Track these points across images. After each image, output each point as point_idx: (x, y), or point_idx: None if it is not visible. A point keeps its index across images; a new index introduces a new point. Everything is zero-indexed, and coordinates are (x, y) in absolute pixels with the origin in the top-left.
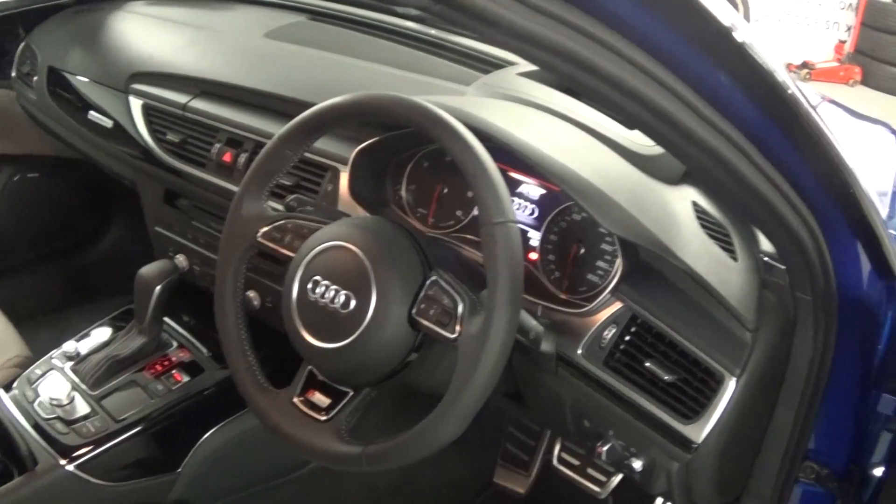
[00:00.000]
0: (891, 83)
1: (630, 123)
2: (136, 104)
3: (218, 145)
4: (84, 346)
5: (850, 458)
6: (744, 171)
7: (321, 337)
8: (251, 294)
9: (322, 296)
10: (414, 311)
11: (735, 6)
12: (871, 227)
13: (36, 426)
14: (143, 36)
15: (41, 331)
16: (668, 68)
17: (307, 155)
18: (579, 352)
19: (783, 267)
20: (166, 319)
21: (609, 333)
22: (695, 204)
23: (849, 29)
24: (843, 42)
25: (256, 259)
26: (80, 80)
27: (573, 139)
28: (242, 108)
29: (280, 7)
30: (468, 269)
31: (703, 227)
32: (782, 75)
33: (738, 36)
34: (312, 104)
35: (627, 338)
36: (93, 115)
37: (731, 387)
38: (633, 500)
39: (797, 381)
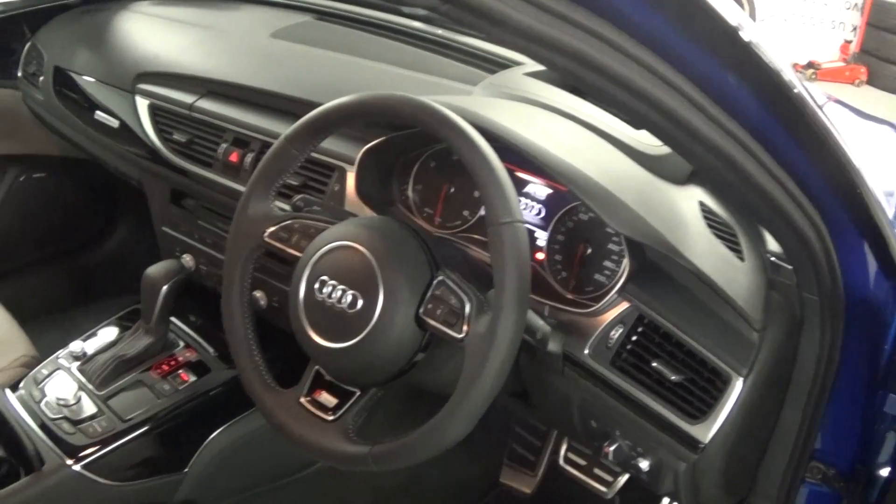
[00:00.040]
0: None
1: (637, 123)
2: (142, 104)
3: (224, 145)
4: (90, 345)
5: (857, 459)
6: (751, 171)
7: (328, 337)
8: (258, 294)
9: (329, 296)
10: (421, 310)
11: (741, 5)
12: (878, 227)
13: (42, 426)
14: (149, 36)
15: (47, 331)
16: (675, 68)
17: (314, 155)
18: (586, 352)
19: (790, 267)
20: (173, 319)
21: (616, 333)
22: (701, 204)
23: (854, 29)
24: (849, 42)
25: (263, 259)
26: (87, 80)
27: (580, 139)
28: (249, 107)
29: (286, 7)
30: (475, 269)
31: (710, 226)
32: (789, 74)
33: (745, 35)
34: (319, 104)
35: (634, 338)
36: (99, 115)
37: (737, 387)
38: (640, 500)
39: (804, 381)
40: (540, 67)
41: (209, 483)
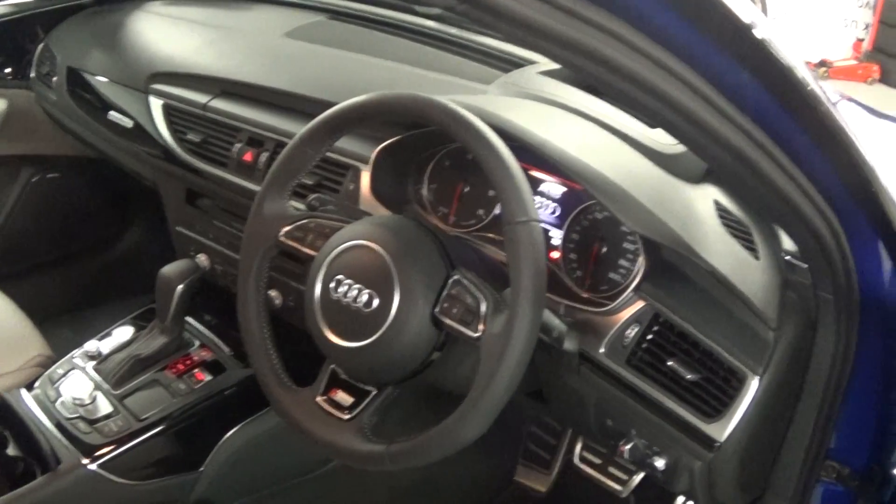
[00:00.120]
0: None
1: (652, 122)
2: (156, 104)
3: (239, 145)
4: (106, 345)
5: (872, 458)
6: (765, 169)
7: (344, 336)
8: (273, 293)
9: (345, 295)
10: (437, 309)
11: (753, 3)
12: (892, 226)
13: (58, 425)
14: (162, 36)
15: (62, 330)
16: (690, 65)
17: (328, 154)
18: (602, 350)
19: (805, 266)
20: (188, 318)
21: (631, 332)
22: (717, 202)
23: (867, 27)
24: (861, 40)
25: (278, 258)
26: (100, 81)
27: (595, 138)
28: (263, 107)
29: (300, 7)
30: (490, 268)
31: (725, 225)
32: (802, 72)
33: (759, 33)
34: (333, 103)
35: (650, 336)
36: (113, 115)
37: (753, 386)
38: (655, 498)
39: (819, 380)
40: (554, 66)
41: (224, 482)
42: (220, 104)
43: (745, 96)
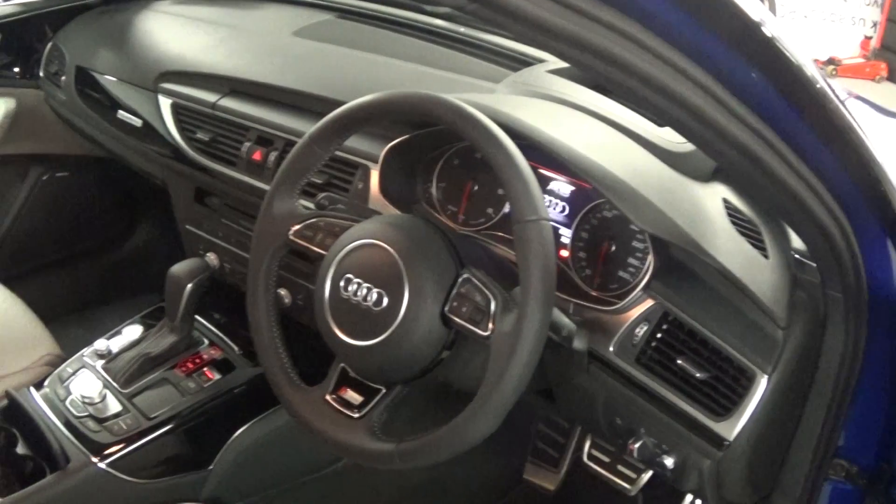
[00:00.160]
0: None
1: (661, 120)
2: (165, 103)
3: (248, 144)
4: (115, 343)
5: (880, 456)
6: (774, 167)
7: (354, 334)
8: (282, 292)
9: (354, 293)
10: (446, 308)
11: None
12: None
13: (68, 424)
14: (171, 35)
15: (71, 329)
16: (698, 64)
17: (337, 153)
18: (611, 349)
19: (814, 264)
20: (197, 317)
21: (641, 331)
22: (725, 201)
23: (875, 25)
24: (869, 38)
25: (287, 257)
26: (109, 80)
27: (604, 136)
28: (272, 106)
29: (308, 5)
30: (500, 267)
31: (735, 224)
32: (811, 70)
33: (767, 31)
34: (342, 102)
35: (659, 335)
36: (122, 114)
37: (762, 384)
38: (663, 496)
39: (827, 379)
40: (563, 64)
41: (234, 480)
42: (229, 103)
43: (753, 94)
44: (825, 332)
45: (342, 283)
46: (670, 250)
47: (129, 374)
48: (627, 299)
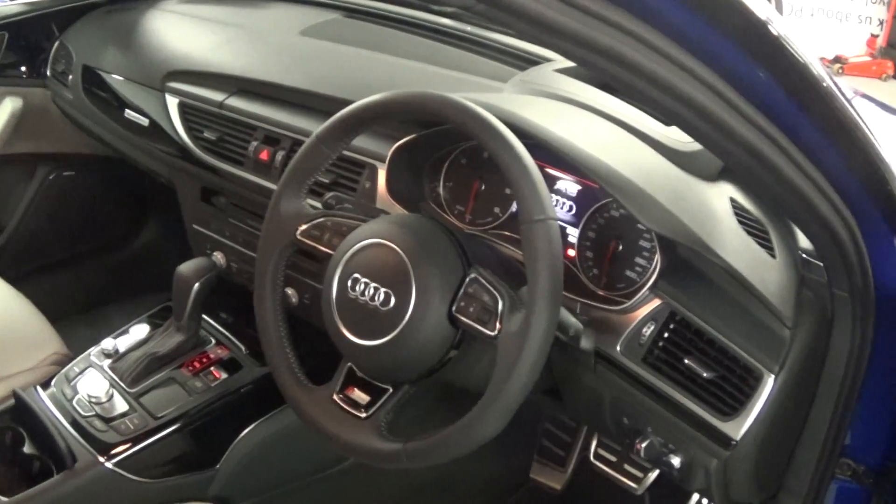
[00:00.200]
0: None
1: (668, 120)
2: (172, 102)
3: (255, 143)
4: (122, 343)
5: (887, 455)
6: (781, 166)
7: (361, 334)
8: (289, 291)
9: (362, 293)
10: (454, 308)
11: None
12: None
13: (74, 423)
14: (178, 34)
15: (78, 328)
16: (705, 63)
17: (345, 152)
18: (618, 349)
19: (821, 264)
20: (204, 316)
21: (648, 330)
22: (733, 200)
23: (881, 23)
24: (876, 36)
25: (293, 256)
26: (116, 79)
27: (611, 135)
28: (279, 105)
29: (315, 4)
30: (507, 266)
31: (742, 223)
32: (818, 68)
33: (774, 29)
34: (349, 102)
35: (666, 335)
36: (129, 113)
37: (769, 384)
38: (670, 496)
39: (834, 378)
40: (570, 63)
41: (241, 479)
42: (236, 102)
43: (760, 93)
44: (832, 331)
45: (350, 283)
46: (677, 250)
47: (136, 373)
48: (634, 299)
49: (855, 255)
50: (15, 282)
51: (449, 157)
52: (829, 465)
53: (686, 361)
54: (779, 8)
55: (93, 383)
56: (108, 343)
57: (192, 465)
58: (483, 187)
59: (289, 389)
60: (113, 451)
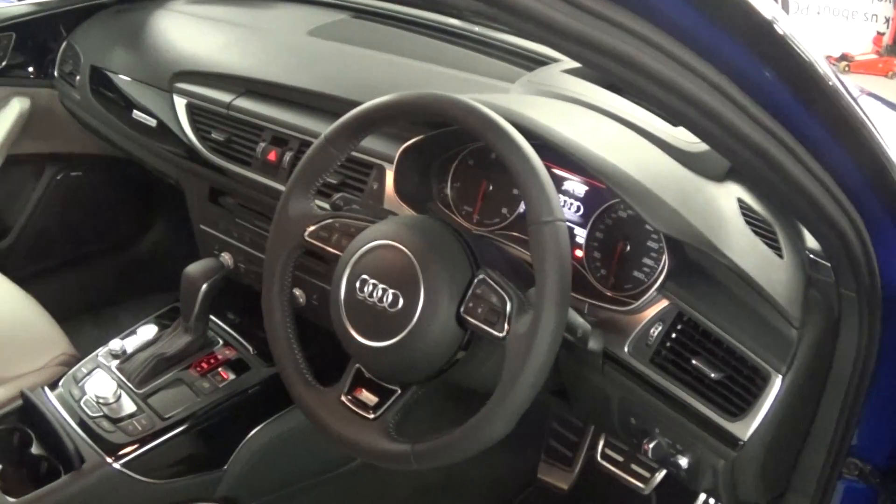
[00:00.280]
0: None
1: (675, 120)
2: (180, 103)
3: (263, 144)
4: (130, 343)
5: (894, 455)
6: (788, 166)
7: (369, 335)
8: (296, 292)
9: (370, 295)
10: (462, 309)
11: None
12: None
13: (82, 424)
14: (185, 35)
15: (86, 329)
16: (712, 63)
17: (352, 153)
18: (626, 349)
19: (828, 264)
20: (212, 317)
21: (655, 331)
22: (740, 201)
23: (887, 21)
24: (882, 34)
25: (301, 257)
26: (123, 80)
27: (618, 136)
28: (287, 106)
29: (323, 5)
30: (515, 267)
31: (749, 223)
32: (824, 67)
33: (780, 28)
34: (357, 102)
35: (674, 335)
36: (136, 114)
37: (777, 384)
38: (677, 495)
39: (842, 378)
40: (578, 64)
41: (248, 480)
42: (244, 103)
43: (766, 93)
44: (839, 331)
45: (358, 284)
46: (685, 250)
47: (144, 374)
48: (642, 299)
49: (862, 254)
50: (23, 282)
51: (457, 157)
52: (836, 465)
53: (694, 362)
54: (785, 7)
55: (100, 384)
56: (115, 344)
57: (200, 466)
58: (491, 188)
59: (297, 390)
60: (121, 452)
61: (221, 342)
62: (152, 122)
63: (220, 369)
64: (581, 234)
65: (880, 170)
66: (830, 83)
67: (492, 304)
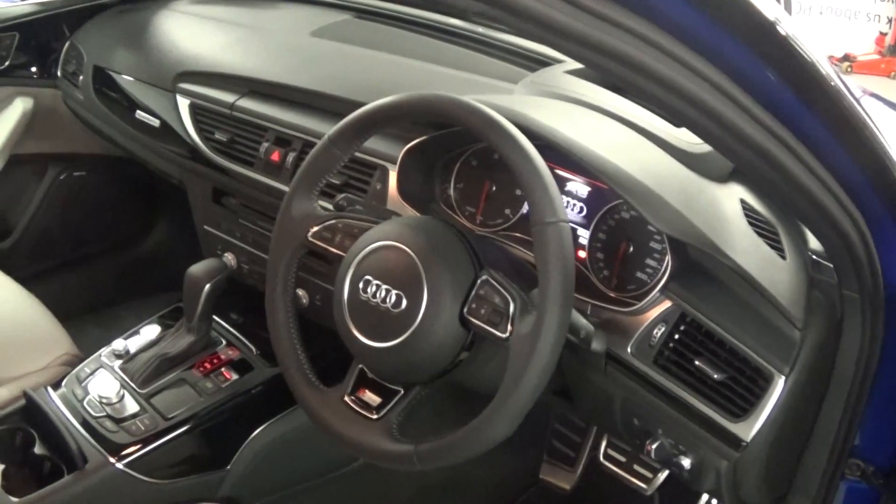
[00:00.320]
0: None
1: (676, 120)
2: (183, 103)
3: (266, 144)
4: (133, 344)
5: None
6: (790, 167)
7: (372, 336)
8: (300, 292)
9: (373, 295)
10: (465, 310)
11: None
12: None
13: (85, 424)
14: (189, 35)
15: (89, 329)
16: (714, 64)
17: (356, 154)
18: (629, 350)
19: (831, 265)
20: (215, 317)
21: (658, 332)
22: (743, 202)
23: (890, 21)
24: (885, 34)
25: (304, 257)
26: (126, 80)
27: (621, 137)
28: (290, 107)
29: (326, 5)
30: (518, 268)
31: (752, 225)
32: (826, 68)
33: (783, 29)
34: (360, 103)
35: (677, 336)
36: (140, 114)
37: (779, 385)
38: (679, 496)
39: (844, 379)
40: (580, 65)
41: (251, 480)
42: (247, 103)
43: (768, 93)
44: (842, 332)
45: (361, 285)
46: (688, 251)
47: (147, 374)
48: (645, 300)
49: (865, 255)
50: (25, 282)
51: (460, 158)
52: (838, 466)
53: (696, 363)
54: (787, 7)
55: (103, 384)
56: (118, 344)
57: (203, 466)
58: (494, 189)
59: (300, 390)
60: (124, 452)
61: (224, 342)
62: (155, 123)
63: (223, 369)
64: (584, 235)
65: (882, 170)
66: (833, 83)
67: (495, 305)
